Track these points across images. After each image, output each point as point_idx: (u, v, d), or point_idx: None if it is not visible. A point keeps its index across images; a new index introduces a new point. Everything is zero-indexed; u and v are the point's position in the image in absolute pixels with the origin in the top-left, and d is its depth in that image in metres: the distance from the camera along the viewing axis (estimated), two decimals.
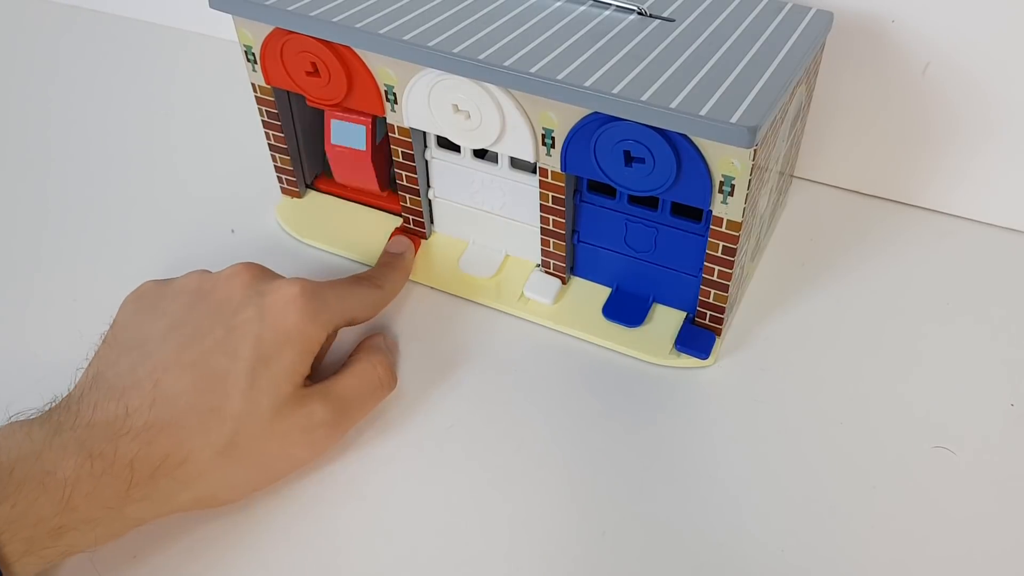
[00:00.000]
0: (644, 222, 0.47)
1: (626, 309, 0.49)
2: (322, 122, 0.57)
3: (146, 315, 0.41)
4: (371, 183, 0.54)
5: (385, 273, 0.49)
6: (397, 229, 0.55)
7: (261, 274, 0.42)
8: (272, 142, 0.56)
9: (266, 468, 0.40)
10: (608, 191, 0.47)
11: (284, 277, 0.43)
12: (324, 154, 0.59)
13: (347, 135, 0.52)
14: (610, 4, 0.47)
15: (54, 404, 0.38)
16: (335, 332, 0.44)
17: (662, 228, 0.47)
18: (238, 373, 0.38)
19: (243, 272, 0.42)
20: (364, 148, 0.51)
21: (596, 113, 0.42)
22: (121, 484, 0.35)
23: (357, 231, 0.56)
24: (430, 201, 0.54)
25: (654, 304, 0.50)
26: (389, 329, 0.50)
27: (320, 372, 0.44)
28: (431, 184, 0.53)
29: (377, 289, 0.47)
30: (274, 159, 0.57)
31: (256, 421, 0.38)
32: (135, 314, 0.41)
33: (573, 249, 0.51)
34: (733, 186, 0.42)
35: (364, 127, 0.51)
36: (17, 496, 0.33)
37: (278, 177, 0.58)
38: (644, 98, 0.40)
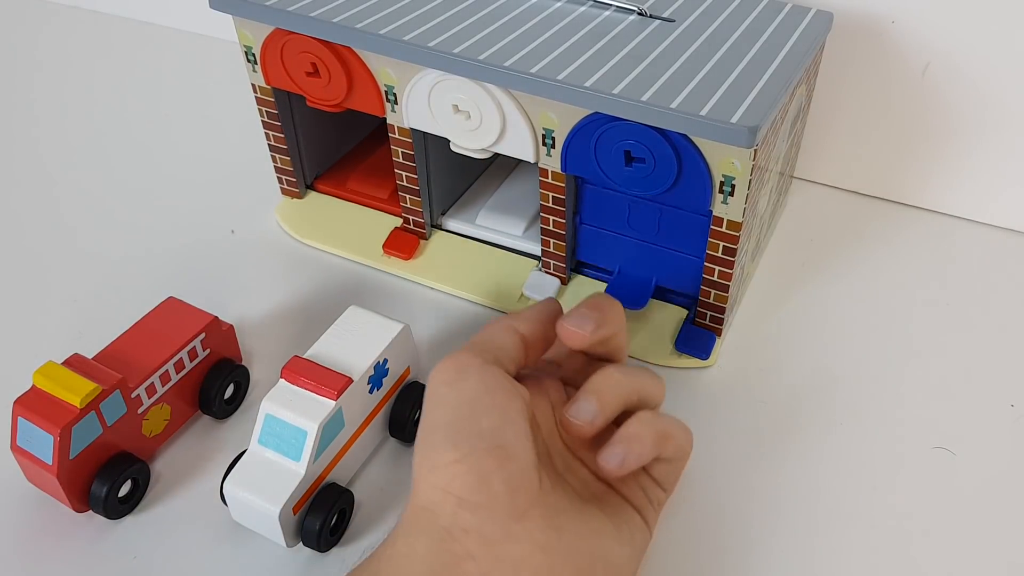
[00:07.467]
0: (647, 203, 0.47)
1: (628, 292, 0.49)
2: (322, 122, 0.57)
3: None
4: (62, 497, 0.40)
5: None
6: (397, 229, 0.55)
7: None
8: (272, 143, 0.56)
9: None
10: None
11: None
12: (324, 155, 0.59)
13: (35, 441, 0.39)
14: (610, 4, 0.48)
15: None
16: None
17: (665, 209, 0.46)
18: None
19: None
20: (51, 463, 0.38)
21: (596, 113, 0.42)
22: None
23: (357, 231, 0.56)
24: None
25: (654, 304, 0.50)
26: None
27: None
28: None
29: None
30: (274, 160, 0.57)
31: None
32: None
33: (574, 245, 0.51)
34: (733, 186, 0.42)
35: (53, 437, 0.38)
36: None
37: (278, 178, 0.58)
38: (644, 98, 0.40)
